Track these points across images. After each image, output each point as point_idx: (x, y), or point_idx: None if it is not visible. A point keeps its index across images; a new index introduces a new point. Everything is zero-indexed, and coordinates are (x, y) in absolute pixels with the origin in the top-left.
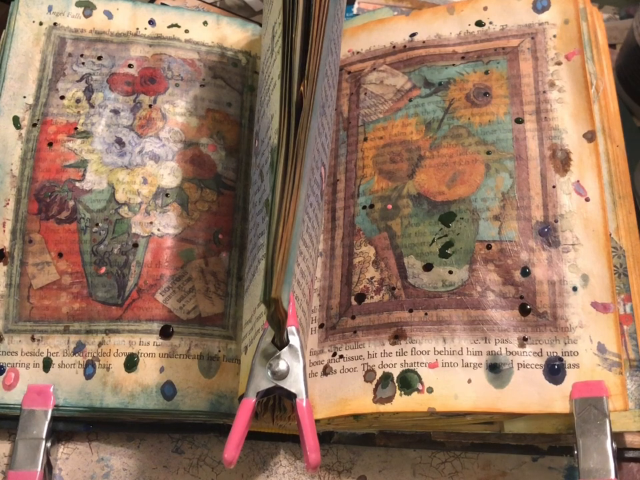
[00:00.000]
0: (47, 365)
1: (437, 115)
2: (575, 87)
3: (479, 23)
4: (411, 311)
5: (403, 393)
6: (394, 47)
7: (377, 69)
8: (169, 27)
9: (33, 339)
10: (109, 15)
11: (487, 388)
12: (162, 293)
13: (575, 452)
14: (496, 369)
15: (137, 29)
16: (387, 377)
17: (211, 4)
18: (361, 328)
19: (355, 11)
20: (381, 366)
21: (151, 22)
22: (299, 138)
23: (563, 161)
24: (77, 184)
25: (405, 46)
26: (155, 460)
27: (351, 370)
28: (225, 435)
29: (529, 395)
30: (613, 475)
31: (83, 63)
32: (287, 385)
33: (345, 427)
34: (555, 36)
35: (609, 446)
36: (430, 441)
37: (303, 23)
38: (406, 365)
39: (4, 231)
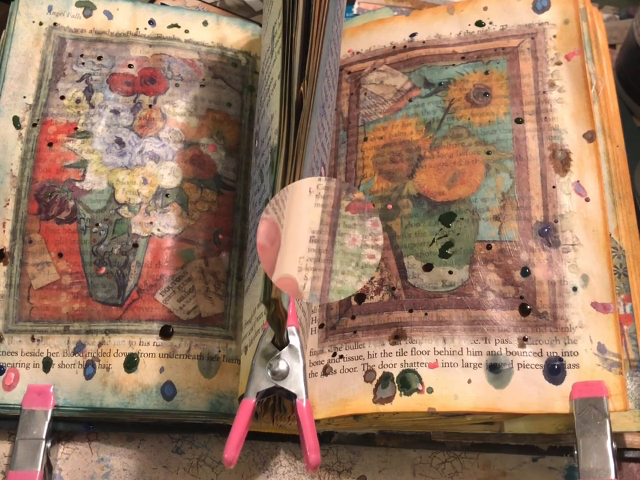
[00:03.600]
0: (47, 365)
1: (437, 115)
2: (574, 87)
3: (479, 23)
4: (411, 311)
5: (402, 393)
6: (394, 47)
7: (377, 69)
8: (168, 27)
9: (32, 339)
10: (108, 15)
11: (486, 388)
12: (162, 293)
13: (575, 452)
14: (496, 369)
15: (137, 29)
16: (386, 377)
17: (211, 4)
18: (361, 328)
19: (355, 11)
20: (380, 366)
21: (151, 22)
22: (299, 138)
23: (563, 161)
24: (77, 184)
25: (405, 46)
26: (154, 460)
27: (351, 370)
28: (225, 435)
29: (529, 395)
30: (612, 475)
31: (83, 63)
32: (287, 385)
33: (345, 427)
34: (554, 36)
35: (609, 446)
36: (430, 441)
37: (302, 23)
38: (406, 365)
39: (4, 231)
